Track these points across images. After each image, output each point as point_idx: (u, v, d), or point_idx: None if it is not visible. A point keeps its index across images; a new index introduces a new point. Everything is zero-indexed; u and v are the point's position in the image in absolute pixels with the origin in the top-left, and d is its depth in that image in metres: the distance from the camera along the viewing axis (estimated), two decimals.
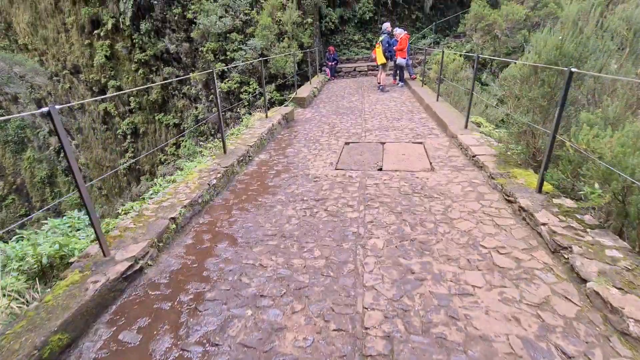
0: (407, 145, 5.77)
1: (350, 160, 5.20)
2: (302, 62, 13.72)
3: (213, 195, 4.17)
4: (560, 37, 3.53)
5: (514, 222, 3.28)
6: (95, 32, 17.48)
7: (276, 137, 6.74)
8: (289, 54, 11.60)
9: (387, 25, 10.55)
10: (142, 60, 17.31)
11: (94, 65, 17.92)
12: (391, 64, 11.28)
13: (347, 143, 6.08)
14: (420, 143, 5.83)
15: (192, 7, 13.80)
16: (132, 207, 3.66)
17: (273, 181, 4.65)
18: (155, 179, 4.35)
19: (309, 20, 13.61)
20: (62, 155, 21.95)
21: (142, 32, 16.48)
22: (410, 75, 11.78)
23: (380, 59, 10.44)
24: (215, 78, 4.63)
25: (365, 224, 3.42)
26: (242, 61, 13.08)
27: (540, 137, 3.93)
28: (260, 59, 7.55)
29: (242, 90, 14.09)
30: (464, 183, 4.21)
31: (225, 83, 14.05)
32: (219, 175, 4.33)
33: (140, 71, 17.68)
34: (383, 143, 5.92)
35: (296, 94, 9.46)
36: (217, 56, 13.92)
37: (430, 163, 4.92)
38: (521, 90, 3.95)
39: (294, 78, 11.46)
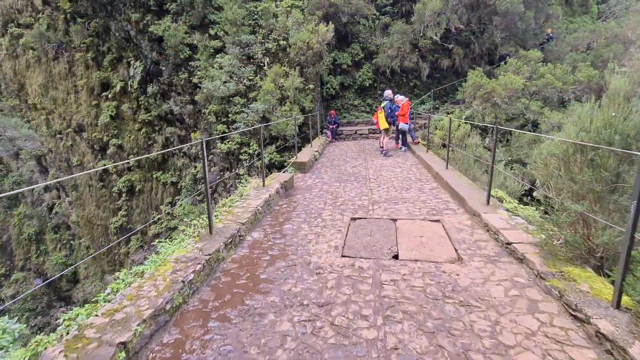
0: (423, 223, 4.95)
1: (359, 244, 4.34)
2: (304, 125, 13.57)
3: (188, 296, 3.22)
4: (613, 114, 2.93)
5: (596, 358, 2.33)
6: (104, 94, 17.77)
7: (273, 208, 5.96)
8: (290, 118, 11.39)
9: (388, 92, 10.46)
10: (146, 120, 17.33)
11: (99, 124, 17.90)
12: (393, 128, 11.02)
13: (353, 219, 5.28)
14: (438, 221, 5.02)
15: (199, 72, 14.04)
16: (73, 320, 2.70)
17: (266, 272, 3.73)
18: (118, 272, 3.45)
19: (311, 86, 13.77)
20: (54, 211, 21.05)
21: (148, 95, 16.71)
22: (413, 140, 11.45)
23: (383, 124, 10.15)
24: (204, 148, 3.98)
25: (387, 352, 2.45)
26: (244, 123, 12.89)
27: (597, 228, 3.13)
28: (260, 125, 7.09)
29: (242, 151, 13.73)
30: (506, 283, 3.30)
31: (225, 144, 13.74)
32: (198, 266, 3.43)
33: (143, 130, 17.61)
34: (395, 220, 5.12)
35: (297, 158, 8.93)
36: (219, 118, 13.80)
37: (456, 250, 4.05)
38: (566, 171, 3.25)
39: (295, 140, 11.11)
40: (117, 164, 17.82)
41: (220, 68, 13.44)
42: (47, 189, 20.97)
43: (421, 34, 14.78)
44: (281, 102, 13.12)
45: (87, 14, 16.81)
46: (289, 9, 14.07)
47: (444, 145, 10.15)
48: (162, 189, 18.32)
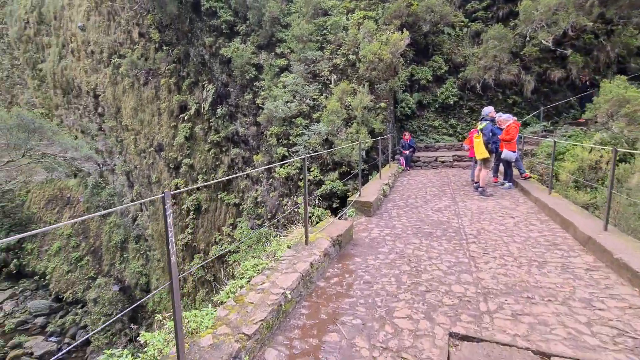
0: None
1: None
2: (372, 150, 11.28)
3: None
4: None
5: None
6: (181, 115, 18.09)
7: (316, 285, 3.73)
8: (356, 142, 9.20)
9: (489, 110, 7.59)
10: (215, 141, 16.99)
11: (174, 144, 18.20)
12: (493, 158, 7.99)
13: (454, 336, 2.75)
14: None
15: (262, 93, 12.91)
16: None
17: None
18: None
19: (382, 105, 11.48)
20: (136, 223, 22.09)
21: (217, 116, 16.35)
22: (521, 174, 8.20)
23: (482, 152, 7.27)
24: (164, 202, 2.04)
25: None
26: (304, 146, 11.16)
27: None
28: (304, 156, 5.07)
29: (301, 177, 12.02)
30: None
31: (284, 168, 12.19)
32: None
33: (212, 151, 17.31)
34: (548, 357, 2.45)
35: (360, 195, 6.62)
36: (279, 140, 12.35)
37: None
38: None
39: (359, 168, 8.86)
40: (210, 183, 17.76)
41: (284, 87, 12.08)
42: (132, 201, 22.19)
43: (527, 38, 11.44)
44: (347, 123, 11.09)
45: (172, 43, 17.41)
46: (361, 20, 12.20)
47: (577, 185, 6.80)
48: (225, 210, 17.67)
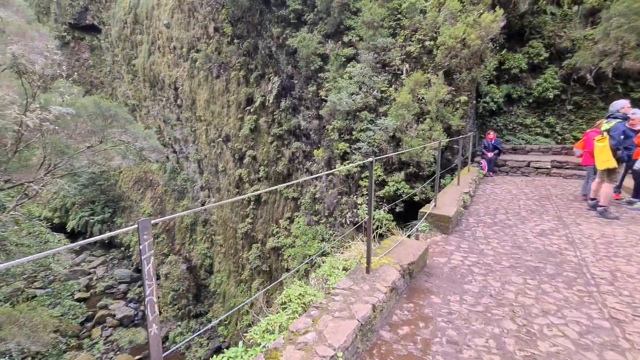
0: None
1: None
2: (447, 149, 9.72)
3: None
4: None
5: None
6: (247, 108, 18.31)
7: (377, 337, 2.73)
8: (432, 141, 7.83)
9: (622, 104, 5.60)
10: (277, 134, 16.81)
11: (240, 135, 18.54)
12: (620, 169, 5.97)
13: None
14: None
15: (327, 84, 12.10)
16: None
17: None
18: None
19: (462, 98, 9.75)
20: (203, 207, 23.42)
21: (281, 109, 16.09)
22: None
23: (606, 160, 5.39)
24: (140, 234, 1.29)
25: None
26: (367, 143, 10.07)
27: None
28: (373, 158, 4.11)
29: (362, 175, 11.00)
30: None
31: (345, 164, 11.27)
32: None
33: (274, 143, 17.18)
34: None
35: (435, 205, 5.35)
36: (341, 135, 11.44)
37: None
38: None
39: (437, 174, 7.49)
40: (284, 185, 17.97)
41: (350, 78, 11.08)
42: (202, 188, 23.54)
43: None
44: (419, 119, 9.67)
45: (242, 36, 17.57)
46: (442, 0, 10.51)
47: None
48: (284, 203, 17.50)
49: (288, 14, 13.31)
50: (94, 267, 23.85)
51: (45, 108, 7.34)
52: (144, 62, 24.56)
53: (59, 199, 26.54)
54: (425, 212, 5.04)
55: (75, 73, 24.01)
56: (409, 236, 4.34)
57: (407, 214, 9.08)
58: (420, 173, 9.21)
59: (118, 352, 17.57)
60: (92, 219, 25.77)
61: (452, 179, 7.80)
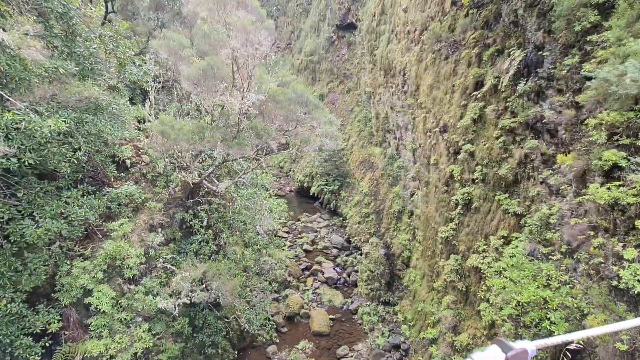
0: None
1: None
2: None
3: None
4: None
5: None
6: (474, 93, 15.27)
7: None
8: None
9: None
10: (508, 127, 13.01)
11: (459, 126, 15.95)
12: None
13: None
14: None
15: (601, 52, 7.53)
16: None
17: None
18: None
19: None
20: (411, 199, 22.76)
21: (519, 93, 12.12)
22: None
23: None
24: None
25: None
26: None
27: None
28: None
29: None
30: None
31: (609, 190, 6.86)
32: None
33: (501, 139, 13.44)
34: None
35: None
36: (613, 136, 6.93)
37: None
38: None
39: None
40: None
41: None
42: (413, 178, 22.87)
43: None
44: None
45: (483, 3, 14.39)
46: None
47: None
48: (501, 216, 13.73)
49: None
50: (320, 227, 29.41)
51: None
52: (382, 50, 26.02)
53: (308, 167, 34.39)
54: None
55: (335, 67, 29.11)
56: None
57: None
58: None
59: (319, 306, 21.00)
60: (326, 188, 31.58)
61: None
